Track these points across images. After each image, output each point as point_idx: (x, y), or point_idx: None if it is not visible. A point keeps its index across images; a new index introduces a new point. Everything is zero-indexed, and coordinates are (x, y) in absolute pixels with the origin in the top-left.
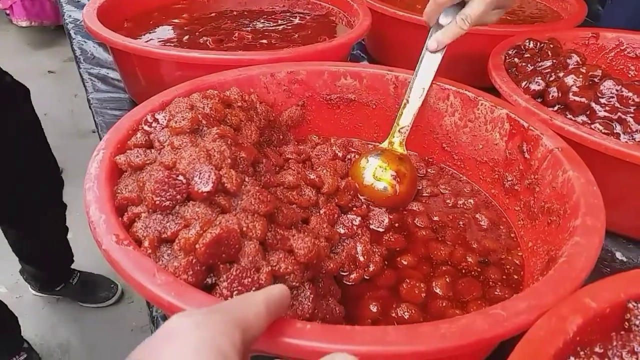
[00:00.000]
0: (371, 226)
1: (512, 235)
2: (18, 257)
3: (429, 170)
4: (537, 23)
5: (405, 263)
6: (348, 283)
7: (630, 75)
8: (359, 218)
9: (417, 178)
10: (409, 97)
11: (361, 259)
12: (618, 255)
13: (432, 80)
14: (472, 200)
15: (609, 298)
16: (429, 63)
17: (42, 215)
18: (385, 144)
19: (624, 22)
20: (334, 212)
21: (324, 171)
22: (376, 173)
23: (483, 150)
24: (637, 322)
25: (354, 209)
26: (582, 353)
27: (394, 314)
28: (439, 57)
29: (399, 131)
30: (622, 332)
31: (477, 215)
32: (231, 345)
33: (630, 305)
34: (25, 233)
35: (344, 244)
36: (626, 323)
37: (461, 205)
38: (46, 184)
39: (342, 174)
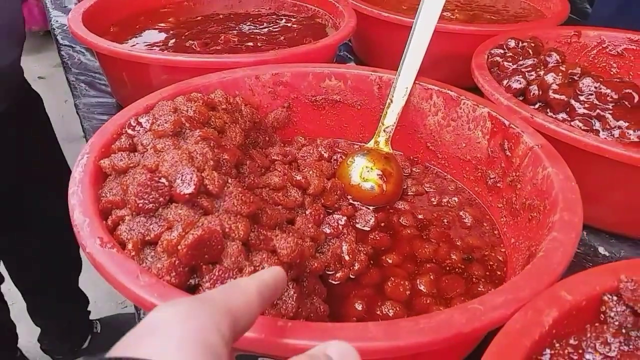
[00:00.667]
0: (357, 225)
1: (496, 232)
2: (36, 316)
3: (413, 169)
4: (521, 22)
5: (390, 262)
6: (334, 282)
7: (612, 73)
8: (345, 218)
9: (403, 177)
10: (392, 96)
11: (347, 258)
12: (601, 250)
13: (415, 80)
14: (456, 198)
15: (584, 291)
16: (412, 62)
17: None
18: (371, 144)
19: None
20: (319, 212)
21: (310, 172)
22: (363, 173)
23: (466, 148)
24: (612, 314)
25: (341, 208)
26: (557, 345)
27: (378, 312)
28: (421, 55)
29: (384, 130)
30: (597, 324)
31: (461, 213)
32: (220, 338)
33: (606, 298)
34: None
35: (330, 243)
36: (602, 315)
37: (445, 204)
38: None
39: (328, 174)
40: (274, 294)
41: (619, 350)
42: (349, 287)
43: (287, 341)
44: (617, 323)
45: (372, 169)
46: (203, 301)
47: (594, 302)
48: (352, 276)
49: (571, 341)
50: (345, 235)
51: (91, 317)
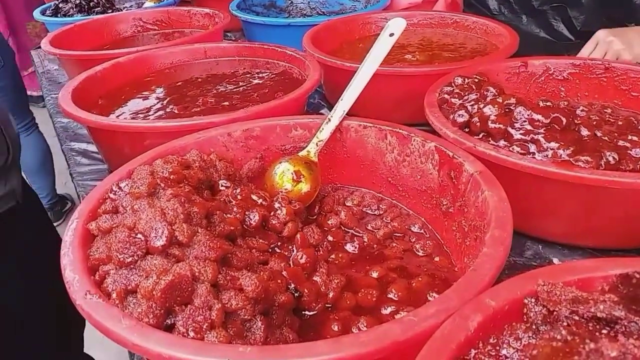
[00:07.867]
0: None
1: (452, 254)
2: None
3: (380, 205)
4: (477, 57)
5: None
6: (311, 312)
7: (562, 96)
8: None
9: (319, 181)
10: (331, 116)
11: (321, 289)
12: (555, 261)
13: (352, 103)
14: (418, 228)
15: (507, 297)
16: (352, 93)
17: None
18: (303, 153)
19: None
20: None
21: (285, 215)
22: (284, 174)
23: (421, 180)
24: (532, 315)
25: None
26: (481, 345)
27: (355, 330)
28: (360, 88)
29: (316, 143)
30: (513, 324)
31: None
32: None
33: (526, 301)
34: None
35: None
36: (524, 317)
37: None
38: None
39: (301, 217)
40: None
41: (527, 342)
42: (327, 313)
43: None
44: (530, 321)
45: (290, 170)
46: None
47: (517, 306)
48: (328, 305)
49: (491, 340)
50: (318, 269)
51: None
